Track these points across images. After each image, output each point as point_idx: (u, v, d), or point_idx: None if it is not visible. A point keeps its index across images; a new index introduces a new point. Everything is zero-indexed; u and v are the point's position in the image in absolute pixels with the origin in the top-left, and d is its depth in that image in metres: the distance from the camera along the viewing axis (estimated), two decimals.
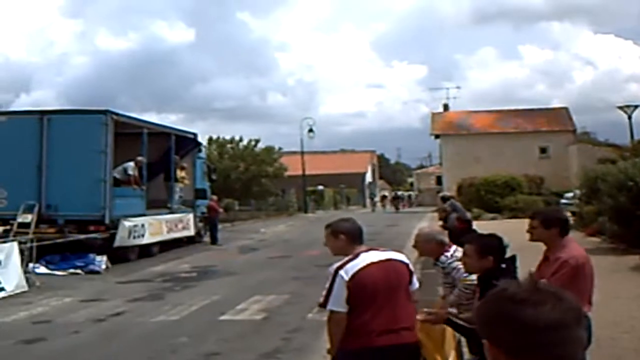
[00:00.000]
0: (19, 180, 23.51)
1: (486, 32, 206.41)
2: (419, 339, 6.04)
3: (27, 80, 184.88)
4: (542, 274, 6.19)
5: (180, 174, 30.69)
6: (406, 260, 6.08)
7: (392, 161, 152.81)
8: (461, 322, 6.57)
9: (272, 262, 25.07)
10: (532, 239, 6.70)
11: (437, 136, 66.01)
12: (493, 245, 6.41)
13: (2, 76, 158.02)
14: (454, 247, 7.67)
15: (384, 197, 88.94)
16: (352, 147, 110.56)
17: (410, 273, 6.01)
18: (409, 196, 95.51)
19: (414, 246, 8.12)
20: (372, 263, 5.90)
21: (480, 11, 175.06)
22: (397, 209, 73.07)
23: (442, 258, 7.62)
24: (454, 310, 7.42)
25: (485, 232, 7.38)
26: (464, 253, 6.61)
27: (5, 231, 22.98)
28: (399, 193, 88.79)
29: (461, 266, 6.96)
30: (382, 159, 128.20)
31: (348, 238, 6.22)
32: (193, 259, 26.04)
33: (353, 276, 5.79)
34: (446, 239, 7.91)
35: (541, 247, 6.71)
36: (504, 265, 6.25)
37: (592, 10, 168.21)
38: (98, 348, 12.37)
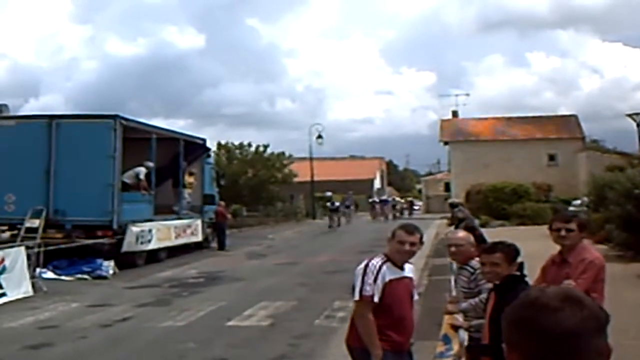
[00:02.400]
0: (27, 185, 23.55)
1: (492, 39, 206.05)
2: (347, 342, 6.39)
3: (36, 84, 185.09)
4: (553, 277, 6.18)
5: (188, 179, 30.71)
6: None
7: (401, 168, 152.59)
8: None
9: (279, 268, 25.05)
10: (567, 243, 6.67)
11: (446, 143, 65.93)
12: (518, 251, 6.40)
13: (11, 81, 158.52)
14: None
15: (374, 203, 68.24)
16: (360, 154, 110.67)
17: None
18: (411, 202, 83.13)
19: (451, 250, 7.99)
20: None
21: (485, 19, 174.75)
22: (385, 217, 60.78)
23: (473, 263, 7.46)
24: (460, 319, 7.41)
25: (496, 239, 7.34)
26: (493, 262, 6.47)
27: (12, 236, 23.04)
28: (384, 198, 71.51)
29: None
30: (390, 165, 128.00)
31: None
32: (201, 265, 26.03)
33: None
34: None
35: (545, 253, 6.68)
36: (518, 273, 6.24)
37: (597, 19, 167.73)
38: (105, 353, 12.38)
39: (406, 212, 73.28)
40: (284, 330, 14.00)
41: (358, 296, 6.06)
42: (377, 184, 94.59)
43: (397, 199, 79.68)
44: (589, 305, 2.16)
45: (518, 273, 6.21)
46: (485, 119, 68.29)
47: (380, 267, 6.20)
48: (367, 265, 6.08)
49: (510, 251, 6.36)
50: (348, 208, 60.02)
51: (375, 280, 6.13)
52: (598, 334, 2.14)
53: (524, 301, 2.21)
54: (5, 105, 33.64)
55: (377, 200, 68.03)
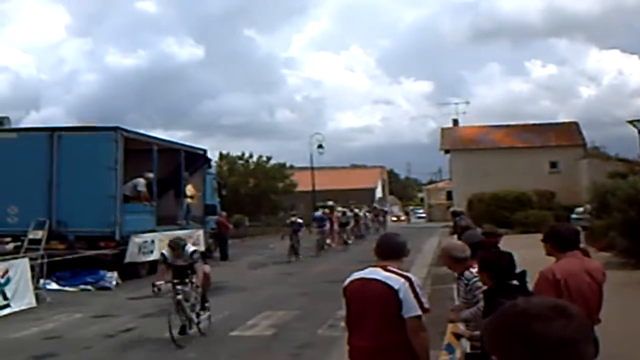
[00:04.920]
0: (29, 197, 23.57)
1: (487, 48, 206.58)
2: None
3: (37, 97, 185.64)
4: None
5: (189, 190, 30.73)
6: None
7: (402, 176, 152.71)
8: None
9: (282, 278, 25.07)
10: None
11: (447, 151, 65.98)
12: (491, 261, 6.42)
13: (12, 93, 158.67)
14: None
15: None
16: (360, 163, 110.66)
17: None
18: (383, 212, 63.65)
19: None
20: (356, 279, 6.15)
21: (478, 29, 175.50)
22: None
23: (467, 274, 7.56)
24: (463, 327, 7.43)
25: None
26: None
27: (16, 247, 23.01)
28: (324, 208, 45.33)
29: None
30: (392, 174, 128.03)
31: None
32: None
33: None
34: (466, 255, 7.83)
35: (548, 260, 6.69)
36: (515, 282, 6.24)
37: (590, 26, 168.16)
38: None
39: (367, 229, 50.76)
40: (286, 340, 14.03)
41: (421, 310, 5.78)
42: (378, 192, 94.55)
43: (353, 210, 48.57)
44: (577, 314, 2.20)
45: (515, 282, 6.24)
46: (486, 127, 68.30)
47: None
48: (410, 279, 5.94)
49: (482, 260, 6.42)
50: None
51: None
52: (587, 342, 2.17)
53: (512, 312, 2.22)
54: (7, 118, 33.70)
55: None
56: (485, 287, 6.75)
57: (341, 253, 35.62)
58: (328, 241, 38.37)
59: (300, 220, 33.48)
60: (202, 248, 30.39)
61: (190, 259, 14.29)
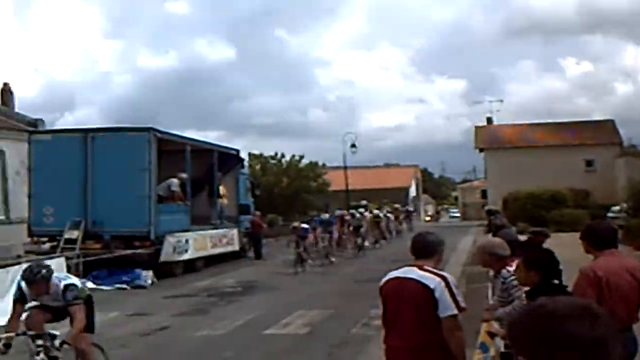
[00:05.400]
0: (65, 197, 23.82)
1: (521, 45, 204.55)
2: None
3: (71, 99, 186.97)
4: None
5: (222, 190, 30.83)
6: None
7: (436, 175, 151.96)
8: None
9: (315, 277, 25.08)
10: None
11: (481, 150, 65.62)
12: (544, 259, 6.36)
13: (47, 96, 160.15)
14: (516, 262, 7.46)
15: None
16: (393, 161, 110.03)
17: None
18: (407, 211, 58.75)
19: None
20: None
21: (511, 25, 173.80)
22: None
23: (504, 272, 7.50)
24: (497, 326, 7.39)
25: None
26: (516, 267, 6.55)
27: (52, 247, 23.26)
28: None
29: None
30: (425, 173, 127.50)
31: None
32: (237, 274, 26.12)
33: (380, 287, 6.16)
34: (506, 253, 7.77)
35: (585, 259, 6.64)
36: (556, 281, 6.20)
37: (624, 22, 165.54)
38: None
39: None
40: (321, 338, 14.03)
41: (457, 310, 5.76)
42: (412, 192, 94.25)
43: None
44: (604, 314, 2.19)
45: (556, 282, 6.20)
46: (520, 125, 67.79)
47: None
48: (446, 278, 5.92)
49: (527, 258, 6.37)
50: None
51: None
52: (615, 341, 2.16)
53: (540, 312, 2.20)
54: (41, 120, 34.07)
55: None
56: (520, 285, 6.71)
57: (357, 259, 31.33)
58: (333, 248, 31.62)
59: (305, 225, 29.01)
60: (236, 247, 30.62)
61: (63, 299, 9.33)
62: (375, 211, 43.71)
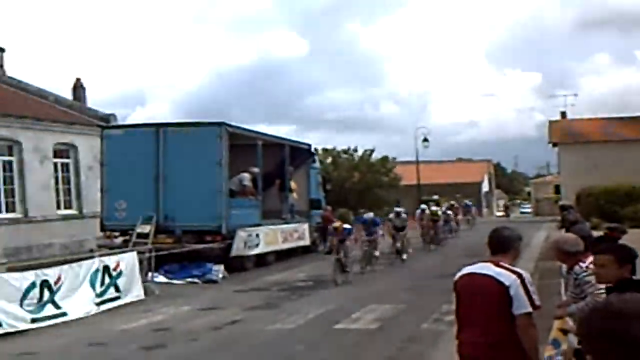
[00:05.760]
0: (137, 192, 24.06)
1: (595, 38, 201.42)
2: (503, 357, 5.76)
3: (143, 94, 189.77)
4: None
5: (293, 185, 30.86)
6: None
7: (509, 170, 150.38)
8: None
9: (386, 272, 24.97)
10: None
11: (554, 144, 64.61)
12: (633, 254, 6.19)
13: (119, 91, 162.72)
14: (590, 258, 7.27)
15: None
16: (465, 156, 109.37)
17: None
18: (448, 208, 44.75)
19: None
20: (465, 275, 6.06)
21: (586, 18, 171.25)
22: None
23: (577, 268, 7.34)
24: (570, 322, 7.24)
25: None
26: (599, 264, 6.34)
27: (124, 241, 23.52)
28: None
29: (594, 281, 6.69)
30: (498, 168, 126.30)
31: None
32: (308, 269, 26.12)
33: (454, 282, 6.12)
34: (579, 249, 7.58)
35: None
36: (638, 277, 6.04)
37: None
38: (216, 355, 12.57)
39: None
40: (392, 333, 13.96)
41: (531, 307, 5.68)
42: (485, 187, 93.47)
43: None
44: None
45: (634, 277, 6.01)
46: (595, 119, 66.53)
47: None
48: (521, 275, 5.81)
49: (621, 253, 6.17)
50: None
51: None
52: None
53: (609, 311, 2.15)
54: (113, 115, 34.51)
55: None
56: (598, 281, 6.53)
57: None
58: (377, 253, 26.29)
59: (348, 226, 24.09)
60: (307, 242, 30.63)
61: None
62: (434, 208, 38.43)
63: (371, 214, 28.22)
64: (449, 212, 42.31)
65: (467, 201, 58.09)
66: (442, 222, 37.33)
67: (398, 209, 30.83)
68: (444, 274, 19.61)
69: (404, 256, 28.34)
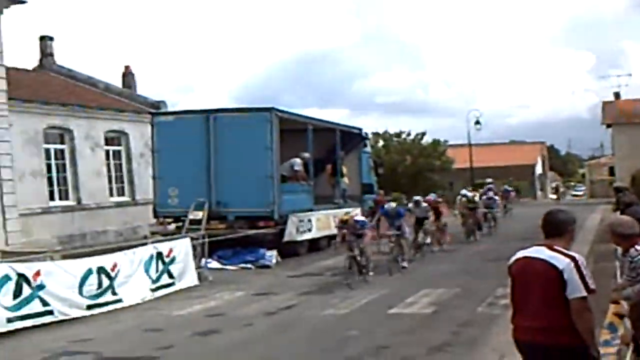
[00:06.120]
0: (189, 178, 24.13)
1: None
2: (559, 342, 5.63)
3: (193, 80, 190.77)
4: None
5: (345, 169, 30.75)
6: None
7: (562, 152, 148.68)
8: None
9: (440, 256, 24.78)
10: None
11: (608, 125, 63.68)
12: None
13: (171, 77, 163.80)
14: None
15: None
16: (518, 139, 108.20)
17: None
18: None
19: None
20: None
21: None
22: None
23: (632, 251, 7.20)
24: (626, 306, 7.11)
25: None
26: None
27: (177, 228, 23.63)
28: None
29: None
30: (551, 150, 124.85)
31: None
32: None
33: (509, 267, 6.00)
34: (635, 231, 7.40)
35: None
36: None
37: None
38: (270, 340, 12.55)
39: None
40: (446, 317, 13.87)
41: (586, 291, 5.57)
42: (538, 169, 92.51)
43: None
44: None
45: None
46: None
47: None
48: (575, 258, 5.69)
49: None
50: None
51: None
52: None
53: None
54: (163, 102, 34.65)
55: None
56: None
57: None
58: (406, 250, 22.47)
59: (361, 218, 20.90)
60: None
61: None
62: (470, 194, 33.41)
63: (393, 204, 24.01)
64: (495, 197, 36.04)
65: (506, 186, 52.15)
66: (479, 211, 31.91)
67: (417, 198, 26.22)
68: (498, 258, 19.43)
69: (425, 250, 24.66)
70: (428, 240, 25.17)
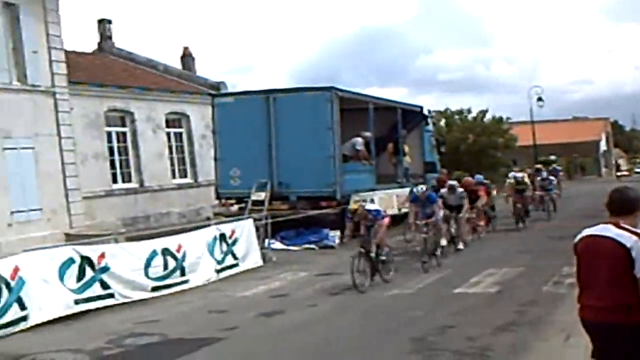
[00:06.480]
0: (250, 159, 24.17)
1: None
2: (625, 321, 5.46)
3: (253, 60, 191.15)
4: None
5: (407, 148, 30.54)
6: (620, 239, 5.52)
7: (627, 128, 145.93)
8: None
9: (503, 235, 24.60)
10: None
11: None
12: None
13: (230, 57, 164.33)
14: None
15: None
16: (581, 115, 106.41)
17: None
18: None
19: None
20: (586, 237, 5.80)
21: None
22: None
23: None
24: None
25: None
26: None
27: (240, 209, 23.72)
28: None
29: None
30: (616, 126, 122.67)
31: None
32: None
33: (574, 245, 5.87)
34: None
35: None
36: None
37: None
38: (335, 321, 12.54)
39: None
40: (511, 296, 13.74)
41: None
42: (602, 145, 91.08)
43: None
44: None
45: None
46: None
47: None
48: None
49: None
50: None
51: None
52: None
53: None
54: (223, 83, 34.73)
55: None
56: None
57: None
58: (443, 242, 20.24)
59: (374, 207, 17.68)
60: None
61: None
62: (519, 174, 30.56)
63: (422, 187, 20.75)
64: (551, 177, 33.61)
65: (555, 165, 46.97)
66: (529, 193, 29.71)
67: (452, 182, 23.42)
68: (563, 236, 19.18)
69: (460, 245, 21.56)
70: (444, 242, 20.47)
